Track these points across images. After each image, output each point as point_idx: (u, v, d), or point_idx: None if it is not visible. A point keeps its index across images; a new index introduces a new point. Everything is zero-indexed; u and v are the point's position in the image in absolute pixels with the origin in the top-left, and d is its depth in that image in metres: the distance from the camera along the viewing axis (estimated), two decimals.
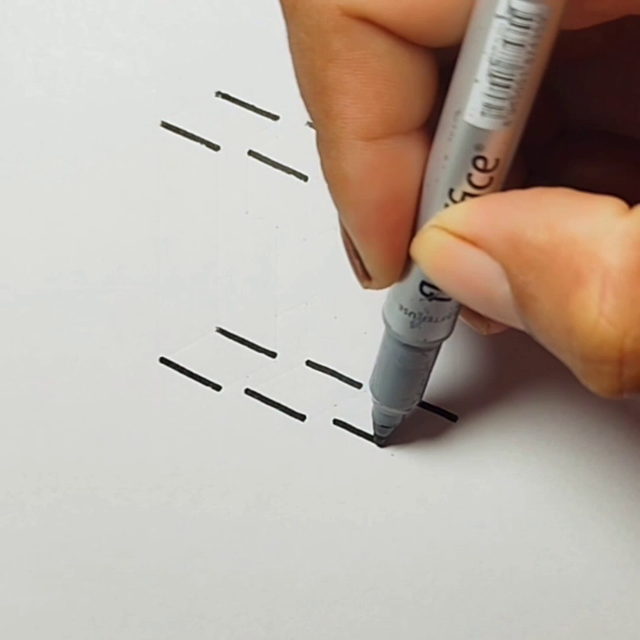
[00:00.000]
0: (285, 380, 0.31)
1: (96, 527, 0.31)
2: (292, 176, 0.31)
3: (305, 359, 0.31)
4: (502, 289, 0.19)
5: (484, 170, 0.19)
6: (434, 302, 0.22)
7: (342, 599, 0.30)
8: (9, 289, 0.31)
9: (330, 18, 0.19)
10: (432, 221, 0.20)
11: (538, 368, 0.31)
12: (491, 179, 0.19)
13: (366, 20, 0.19)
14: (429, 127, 0.20)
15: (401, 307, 0.23)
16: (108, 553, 0.31)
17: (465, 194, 0.19)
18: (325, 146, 0.20)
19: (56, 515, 0.31)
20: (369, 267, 0.22)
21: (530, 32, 0.17)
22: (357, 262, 0.22)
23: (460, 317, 0.25)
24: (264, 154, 0.31)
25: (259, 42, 0.31)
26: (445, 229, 0.19)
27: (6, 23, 0.31)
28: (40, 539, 0.31)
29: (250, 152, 0.31)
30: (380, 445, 0.30)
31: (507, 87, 0.18)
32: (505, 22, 0.17)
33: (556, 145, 0.25)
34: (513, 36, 0.17)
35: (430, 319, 0.23)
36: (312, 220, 0.31)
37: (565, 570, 0.30)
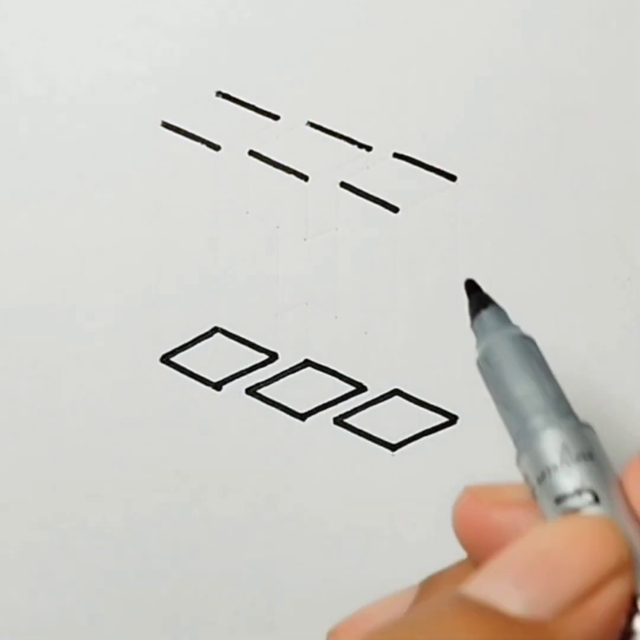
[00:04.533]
0: (285, 380, 0.31)
1: (96, 526, 0.31)
2: (292, 176, 0.31)
3: (305, 359, 0.31)
4: None
5: None
6: None
7: (343, 599, 0.30)
8: (10, 290, 0.31)
9: None
10: None
11: None
12: None
13: None
14: None
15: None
16: (108, 552, 0.31)
17: None
18: None
19: (57, 516, 0.31)
20: None
21: None
22: None
23: None
24: (264, 154, 0.31)
25: (259, 42, 0.31)
26: None
27: (6, 23, 0.31)
28: (41, 539, 0.31)
29: (251, 152, 0.31)
30: None
31: None
32: None
33: None
34: None
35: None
36: (312, 220, 0.31)
37: None
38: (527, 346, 0.25)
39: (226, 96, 0.31)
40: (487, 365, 0.25)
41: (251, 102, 0.31)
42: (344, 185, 0.31)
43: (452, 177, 0.30)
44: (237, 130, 0.31)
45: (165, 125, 0.31)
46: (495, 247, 0.30)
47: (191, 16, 0.31)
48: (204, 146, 0.31)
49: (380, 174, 0.31)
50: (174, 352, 0.31)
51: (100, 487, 0.31)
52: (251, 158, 0.31)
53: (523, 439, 0.23)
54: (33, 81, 0.31)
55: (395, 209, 0.31)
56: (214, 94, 0.31)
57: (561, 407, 0.24)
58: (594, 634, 0.18)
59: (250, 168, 0.31)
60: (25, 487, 0.31)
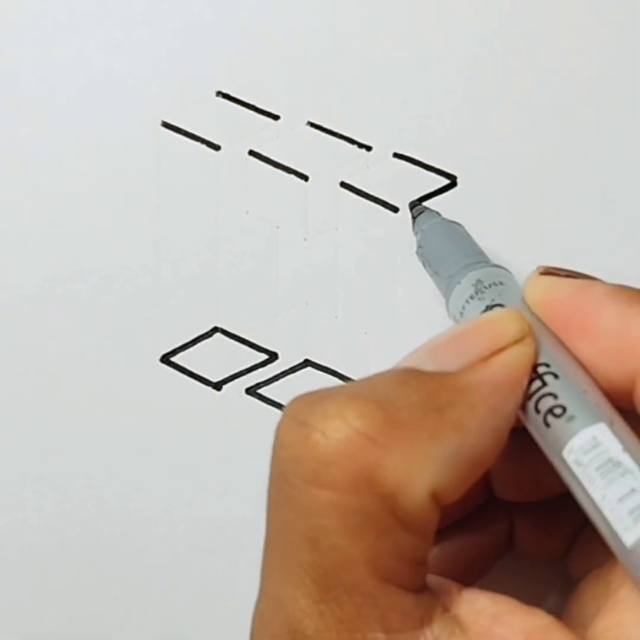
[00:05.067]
0: (285, 380, 0.31)
1: (96, 526, 0.31)
2: (292, 176, 0.31)
3: (305, 359, 0.31)
4: None
5: None
6: None
7: None
8: (9, 289, 0.31)
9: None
10: None
11: None
12: None
13: None
14: None
15: None
16: (108, 553, 0.31)
17: None
18: None
19: (56, 515, 0.31)
20: None
21: None
22: None
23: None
24: (264, 154, 0.31)
25: (259, 42, 0.31)
26: None
27: (7, 23, 0.31)
28: (41, 539, 0.31)
29: (251, 152, 0.31)
30: None
31: None
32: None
33: None
34: None
35: None
36: (312, 220, 0.31)
37: None
38: (451, 227, 0.28)
39: (226, 96, 0.31)
40: (421, 250, 0.28)
41: (251, 102, 0.31)
42: (344, 185, 0.31)
43: (452, 177, 0.30)
44: (237, 130, 0.31)
45: (165, 125, 0.31)
46: (495, 247, 0.30)
47: (191, 16, 0.31)
48: (204, 146, 0.31)
49: (380, 174, 0.31)
50: (174, 352, 0.31)
51: (100, 486, 0.31)
52: (251, 158, 0.31)
53: (448, 289, 0.25)
54: (33, 81, 0.31)
55: (395, 209, 0.31)
56: (214, 94, 0.31)
57: (479, 259, 0.26)
58: (496, 386, 0.21)
59: (250, 168, 0.31)
60: (25, 487, 0.31)
